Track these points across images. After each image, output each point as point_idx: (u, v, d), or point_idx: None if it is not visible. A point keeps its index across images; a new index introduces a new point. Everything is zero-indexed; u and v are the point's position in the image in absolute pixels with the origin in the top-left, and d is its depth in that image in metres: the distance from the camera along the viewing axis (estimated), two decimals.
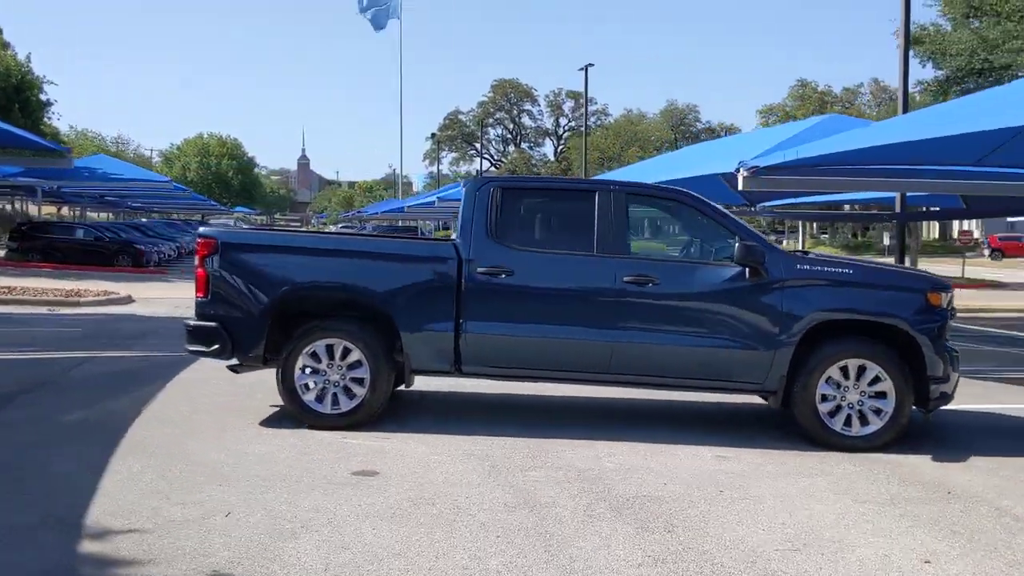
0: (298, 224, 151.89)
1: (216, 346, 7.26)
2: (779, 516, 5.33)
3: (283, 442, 6.74)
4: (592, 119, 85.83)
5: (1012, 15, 22.42)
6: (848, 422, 7.02)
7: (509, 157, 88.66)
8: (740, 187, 11.51)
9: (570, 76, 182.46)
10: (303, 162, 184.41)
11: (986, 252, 55.03)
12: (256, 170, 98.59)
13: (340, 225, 73.49)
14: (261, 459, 6.25)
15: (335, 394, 7.21)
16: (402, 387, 7.75)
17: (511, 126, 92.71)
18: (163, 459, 6.18)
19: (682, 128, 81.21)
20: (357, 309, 7.37)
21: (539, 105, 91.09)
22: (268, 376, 7.66)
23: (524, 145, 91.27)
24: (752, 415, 8.42)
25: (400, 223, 61.41)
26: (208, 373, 9.30)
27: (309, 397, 7.22)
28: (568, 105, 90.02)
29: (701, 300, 7.11)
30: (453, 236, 7.96)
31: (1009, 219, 53.65)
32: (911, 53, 28.32)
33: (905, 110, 17.83)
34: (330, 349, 7.20)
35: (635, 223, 7.69)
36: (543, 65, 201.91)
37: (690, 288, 7.13)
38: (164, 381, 9.13)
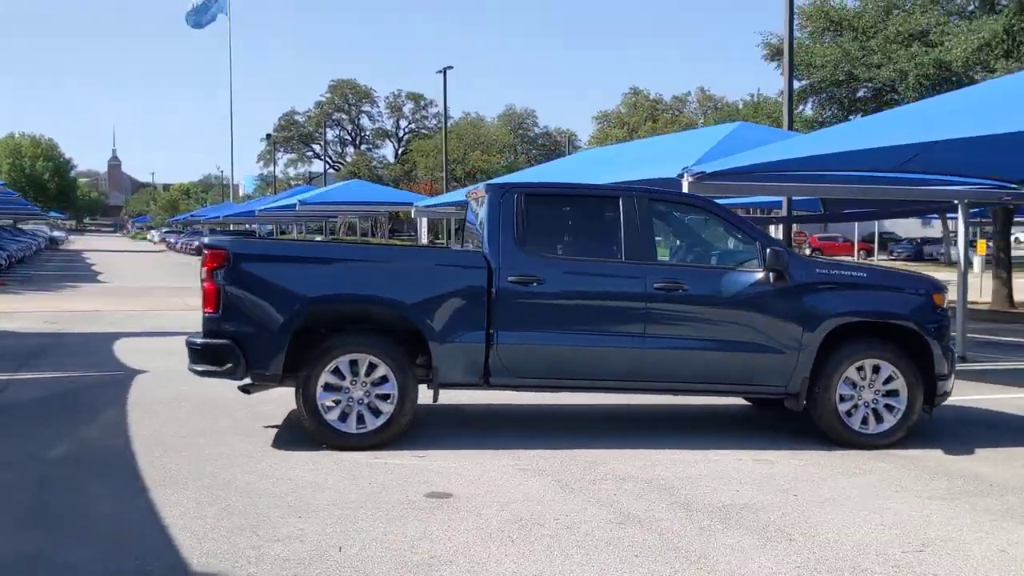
0: (111, 229, 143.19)
1: (228, 365, 6.70)
2: (871, 517, 5.43)
3: (321, 466, 6.28)
4: (432, 121, 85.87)
5: (867, 31, 24.07)
6: (865, 421, 7.27)
7: (349, 159, 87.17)
8: (685, 190, 11.75)
9: (408, 77, 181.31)
10: (114, 163, 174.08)
11: (807, 251, 58.61)
12: (73, 173, 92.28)
13: (186, 229, 69.34)
14: (316, 486, 5.79)
15: (360, 413, 6.81)
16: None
17: (350, 127, 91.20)
18: (206, 490, 5.63)
19: (520, 132, 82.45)
20: (382, 322, 6.99)
21: (378, 106, 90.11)
22: (222, 395, 7.21)
23: (364, 147, 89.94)
24: (734, 416, 8.59)
25: (232, 227, 58.95)
26: (161, 393, 8.64)
27: (332, 417, 6.77)
28: (408, 107, 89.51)
29: (728, 305, 7.18)
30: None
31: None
32: (775, 64, 30.12)
33: (790, 120, 18.84)
34: (354, 365, 6.78)
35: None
36: (381, 66, 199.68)
37: (717, 293, 7.18)
38: (118, 404, 8.35)
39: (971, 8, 24.00)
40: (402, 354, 6.85)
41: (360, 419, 6.79)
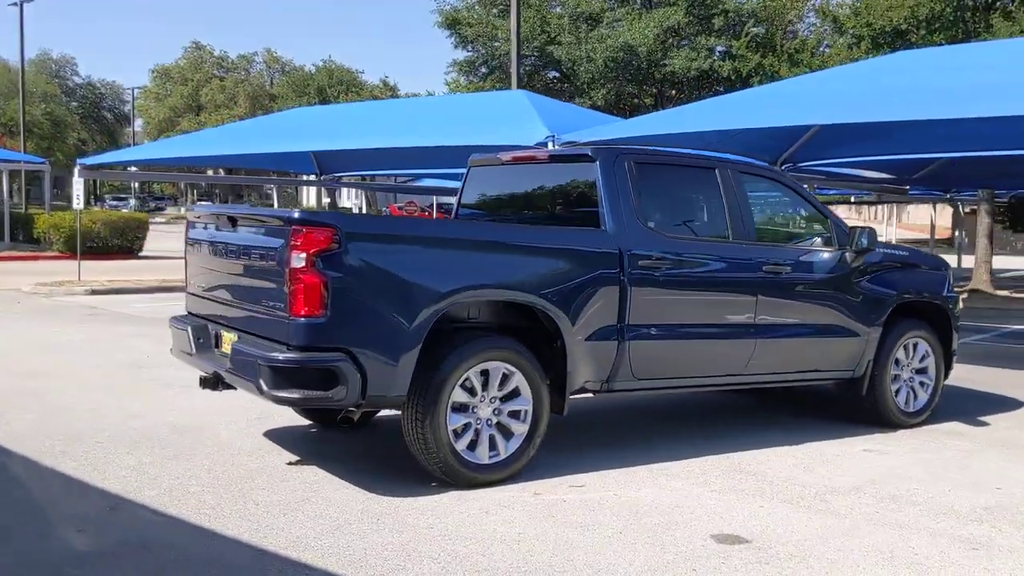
0: None
1: (338, 387, 4.79)
2: None
3: (504, 515, 4.75)
4: None
5: (541, 9, 24.84)
6: (906, 400, 7.31)
7: None
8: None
9: None
10: None
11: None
12: None
13: None
14: (524, 543, 4.32)
15: (491, 436, 5.29)
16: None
17: None
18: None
19: (58, 81, 73.09)
20: (513, 321, 5.47)
21: None
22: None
23: None
24: (741, 407, 8.24)
25: None
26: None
27: (462, 445, 5.18)
28: None
29: (818, 288, 6.73)
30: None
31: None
32: (448, 33, 29.88)
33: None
34: (485, 376, 5.24)
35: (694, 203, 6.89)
36: None
37: (810, 276, 6.69)
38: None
39: None
40: (535, 360, 5.43)
41: (492, 444, 5.28)
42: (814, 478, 5.63)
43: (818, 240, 6.85)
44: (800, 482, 5.53)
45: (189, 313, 6.10)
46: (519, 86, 27.43)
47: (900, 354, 7.17)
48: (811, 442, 6.57)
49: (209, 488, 5.09)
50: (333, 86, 55.90)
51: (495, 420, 5.28)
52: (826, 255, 6.76)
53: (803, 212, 7.01)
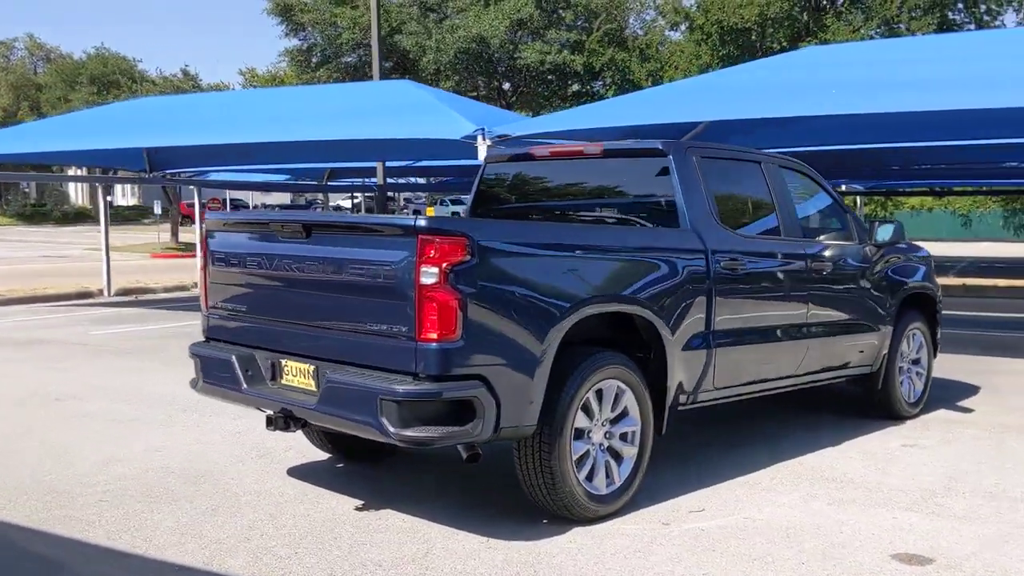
0: None
1: (475, 421, 4.11)
2: None
3: (662, 552, 4.24)
4: None
5: None
6: (908, 390, 7.39)
7: None
8: (484, 156, 10.49)
9: None
10: None
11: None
12: None
13: None
14: None
15: (606, 463, 4.76)
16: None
17: None
18: None
19: None
20: (604, 333, 4.93)
21: None
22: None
23: None
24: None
25: None
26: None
27: (583, 475, 4.62)
28: None
29: (852, 283, 6.63)
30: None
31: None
32: (278, 20, 28.14)
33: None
34: (599, 397, 4.71)
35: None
36: None
37: (844, 271, 6.57)
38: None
39: None
40: (642, 375, 4.94)
41: (607, 472, 4.76)
42: (899, 480, 5.47)
43: (844, 234, 6.76)
44: (892, 486, 5.35)
45: (214, 340, 5.14)
46: (351, 77, 26.59)
47: (904, 346, 7.23)
48: (848, 440, 6.46)
49: (303, 550, 4.26)
50: (109, 75, 51.60)
51: (606, 444, 4.77)
52: (855, 249, 6.68)
53: (823, 206, 6.89)
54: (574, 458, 4.52)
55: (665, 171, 5.47)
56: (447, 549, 4.28)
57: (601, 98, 23.56)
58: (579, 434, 4.59)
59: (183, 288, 18.41)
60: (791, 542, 4.40)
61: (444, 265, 3.98)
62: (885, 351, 6.93)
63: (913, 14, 19.31)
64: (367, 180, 25.21)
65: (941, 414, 7.38)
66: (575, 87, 24.53)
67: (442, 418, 4.07)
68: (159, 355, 10.02)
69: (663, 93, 11.56)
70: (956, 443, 6.43)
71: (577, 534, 4.48)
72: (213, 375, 4.95)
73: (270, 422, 4.61)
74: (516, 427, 4.27)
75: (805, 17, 21.12)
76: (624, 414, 4.82)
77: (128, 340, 11.21)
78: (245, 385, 4.73)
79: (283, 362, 4.66)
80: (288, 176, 22.50)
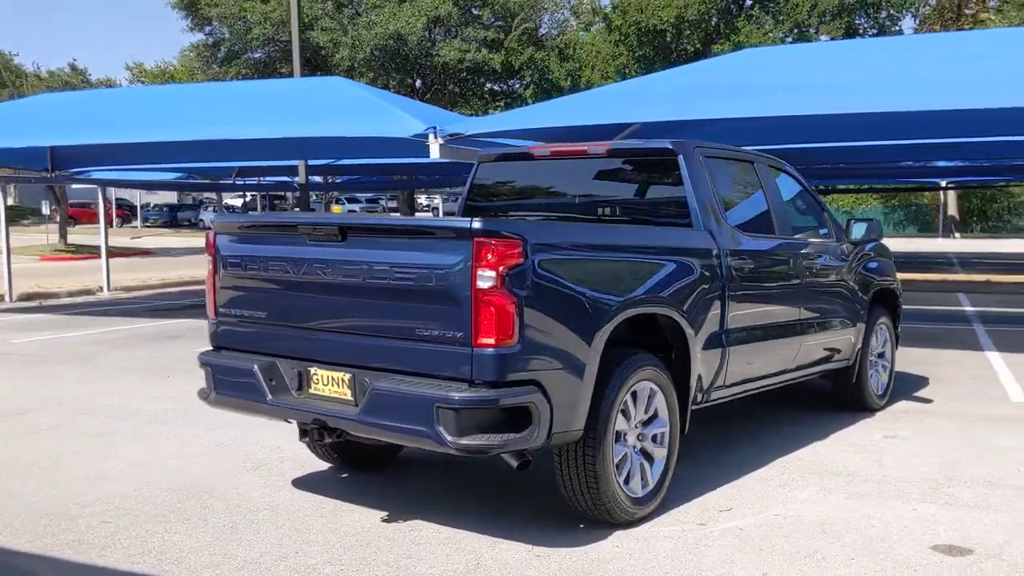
0: None
1: (531, 427, 4.01)
2: None
3: (713, 554, 4.23)
4: None
5: None
6: (877, 383, 7.61)
7: None
8: (436, 155, 10.37)
9: None
10: None
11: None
12: None
13: None
14: None
15: (641, 465, 4.72)
16: None
17: None
18: None
19: None
20: (627, 334, 4.89)
21: None
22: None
23: None
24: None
25: None
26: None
27: (623, 478, 4.58)
28: None
29: (835, 279, 6.80)
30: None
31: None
32: (183, 14, 27.02)
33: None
34: (635, 398, 4.66)
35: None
36: None
37: (829, 267, 6.72)
38: None
39: None
40: (670, 376, 4.93)
41: (642, 475, 4.73)
42: (900, 472, 5.61)
43: (826, 232, 6.91)
44: (897, 478, 5.48)
45: (225, 348, 4.87)
46: (260, 74, 25.83)
47: (873, 339, 7.45)
48: (833, 434, 6.60)
49: (348, 567, 4.09)
50: None
51: (639, 446, 4.74)
52: (836, 247, 6.84)
53: (806, 204, 7.01)
54: (615, 461, 4.48)
55: (675, 170, 5.47)
56: (497, 560, 4.17)
57: (519, 97, 23.63)
58: (616, 437, 4.54)
59: (88, 292, 17.62)
60: (830, 538, 4.45)
61: (501, 268, 3.87)
62: (859, 345, 7.13)
63: (822, 19, 20.05)
64: (278, 178, 24.60)
65: (904, 405, 7.62)
66: (490, 86, 24.50)
67: (498, 425, 3.96)
68: (94, 364, 9.53)
69: (611, 93, 11.60)
70: (931, 434, 6.63)
71: (619, 538, 4.44)
72: (229, 386, 4.69)
73: (304, 434, 4.40)
74: (566, 432, 4.19)
75: (715, 21, 21.62)
76: (655, 416, 4.80)
77: (55, 348, 10.61)
78: (270, 396, 4.50)
79: (311, 371, 4.45)
80: (181, 175, 21.72)
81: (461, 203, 6.34)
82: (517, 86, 22.91)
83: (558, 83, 22.76)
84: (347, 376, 4.31)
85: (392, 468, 5.65)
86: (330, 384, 4.38)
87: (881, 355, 7.64)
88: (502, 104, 23.83)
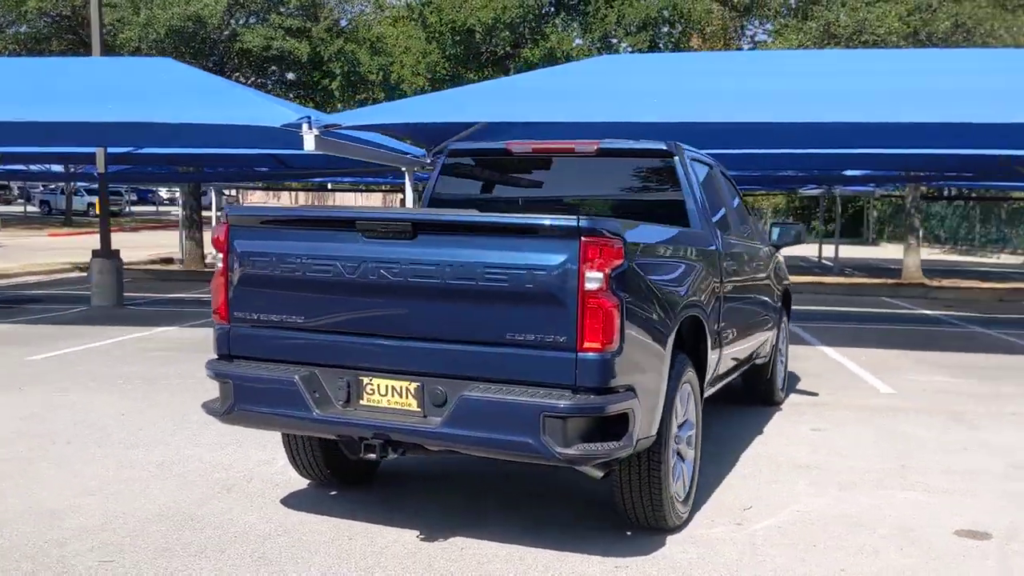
0: None
1: (627, 434, 3.86)
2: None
3: (773, 557, 4.26)
4: None
5: None
6: (781, 378, 8.04)
7: None
8: (311, 147, 9.81)
9: None
10: None
11: None
12: None
13: None
14: None
15: (681, 468, 4.67)
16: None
17: None
18: None
19: None
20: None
21: None
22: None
23: None
24: None
25: None
26: None
27: (675, 483, 4.52)
28: None
29: (768, 280, 7.09)
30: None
31: None
32: None
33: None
34: (680, 400, 4.61)
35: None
36: None
37: (766, 270, 7.01)
38: None
39: None
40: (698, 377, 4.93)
41: (678, 475, 4.69)
42: (861, 463, 5.87)
43: (758, 235, 7.20)
44: (866, 469, 5.72)
45: (241, 358, 4.29)
46: (28, 51, 23.11)
47: (781, 336, 7.89)
48: (765, 427, 6.90)
49: None
50: None
51: (677, 448, 4.71)
52: (767, 250, 7.17)
53: (741, 208, 7.23)
54: (671, 465, 4.43)
55: (671, 171, 5.50)
56: (578, 574, 3.99)
57: (325, 89, 22.83)
58: None
59: None
60: (865, 530, 4.63)
61: (607, 269, 3.71)
62: (775, 342, 7.50)
63: (628, 30, 20.97)
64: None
65: (796, 399, 8.06)
66: (291, 76, 23.49)
67: (599, 433, 3.79)
68: None
69: (477, 92, 11.44)
70: (847, 425, 7.03)
71: (677, 544, 4.38)
72: (258, 399, 4.15)
73: (369, 449, 3.98)
74: (647, 438, 4.08)
75: (523, 29, 21.98)
76: (687, 417, 4.79)
77: None
78: (317, 411, 4.03)
79: (363, 380, 4.04)
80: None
81: (424, 202, 6.02)
82: (323, 78, 22.11)
83: (366, 76, 22.26)
84: (413, 385, 3.95)
85: (379, 483, 5.26)
86: (389, 394, 4.00)
87: (780, 351, 8.06)
88: (302, 97, 23.01)
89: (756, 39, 25.92)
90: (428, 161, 12.19)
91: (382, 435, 3.96)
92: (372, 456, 3.98)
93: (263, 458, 5.69)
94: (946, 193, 34.47)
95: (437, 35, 21.52)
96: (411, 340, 3.96)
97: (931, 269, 23.81)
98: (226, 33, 21.99)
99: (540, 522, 4.61)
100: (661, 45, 21.97)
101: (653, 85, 10.72)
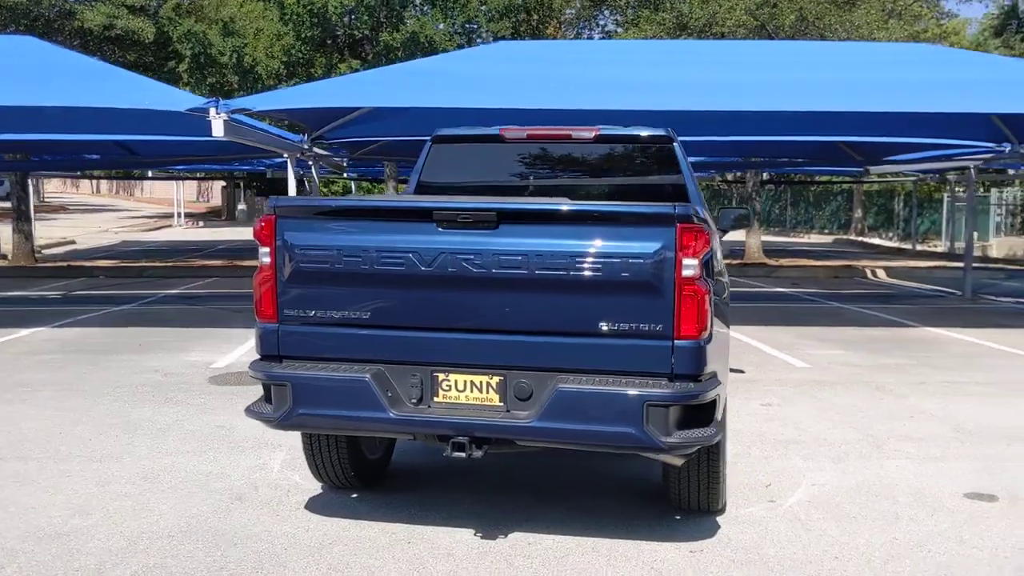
0: None
1: (714, 420, 3.86)
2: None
3: (828, 533, 4.40)
4: None
5: None
6: None
7: None
8: (220, 133, 9.29)
9: None
10: None
11: None
12: None
13: None
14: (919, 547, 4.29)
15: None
16: None
17: None
18: None
19: None
20: None
21: None
22: None
23: None
24: None
25: None
26: None
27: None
28: None
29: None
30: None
31: None
32: None
33: None
34: None
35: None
36: None
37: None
38: None
39: None
40: None
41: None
42: (837, 434, 6.14)
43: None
44: (845, 439, 5.99)
45: (291, 357, 3.97)
46: None
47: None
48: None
49: None
50: None
51: None
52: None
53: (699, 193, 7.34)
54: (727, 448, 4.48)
55: (671, 157, 5.54)
56: (666, 562, 3.98)
57: (172, 71, 21.53)
58: None
59: None
60: (886, 499, 4.85)
61: (702, 256, 3.70)
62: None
63: (489, 16, 20.93)
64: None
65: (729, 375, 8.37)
66: (132, 57, 21.91)
67: (692, 421, 3.77)
68: None
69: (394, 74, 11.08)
70: (792, 400, 7.32)
71: (730, 525, 4.45)
72: (323, 402, 3.85)
73: (459, 448, 3.78)
74: (722, 423, 4.11)
75: (380, 14, 21.58)
76: None
77: None
78: (392, 411, 3.80)
79: (440, 376, 3.85)
80: None
81: (410, 188, 5.80)
82: (169, 59, 20.82)
83: (218, 60, 21.13)
84: (495, 379, 3.80)
85: (390, 484, 5.05)
86: (468, 389, 3.83)
87: None
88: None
89: (607, 29, 26.49)
90: (306, 147, 11.82)
91: (466, 432, 3.79)
92: (461, 454, 3.79)
93: (253, 463, 5.35)
94: (766, 176, 36.64)
95: (293, 16, 20.76)
96: (493, 333, 3.81)
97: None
98: (60, 10, 20.34)
99: (588, 512, 4.57)
100: (523, 31, 22.13)
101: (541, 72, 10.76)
